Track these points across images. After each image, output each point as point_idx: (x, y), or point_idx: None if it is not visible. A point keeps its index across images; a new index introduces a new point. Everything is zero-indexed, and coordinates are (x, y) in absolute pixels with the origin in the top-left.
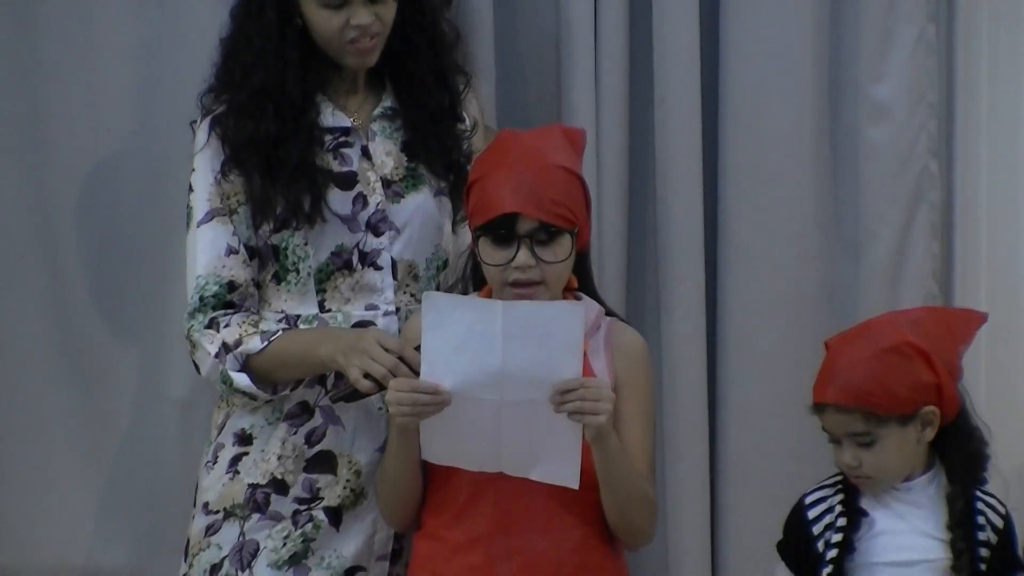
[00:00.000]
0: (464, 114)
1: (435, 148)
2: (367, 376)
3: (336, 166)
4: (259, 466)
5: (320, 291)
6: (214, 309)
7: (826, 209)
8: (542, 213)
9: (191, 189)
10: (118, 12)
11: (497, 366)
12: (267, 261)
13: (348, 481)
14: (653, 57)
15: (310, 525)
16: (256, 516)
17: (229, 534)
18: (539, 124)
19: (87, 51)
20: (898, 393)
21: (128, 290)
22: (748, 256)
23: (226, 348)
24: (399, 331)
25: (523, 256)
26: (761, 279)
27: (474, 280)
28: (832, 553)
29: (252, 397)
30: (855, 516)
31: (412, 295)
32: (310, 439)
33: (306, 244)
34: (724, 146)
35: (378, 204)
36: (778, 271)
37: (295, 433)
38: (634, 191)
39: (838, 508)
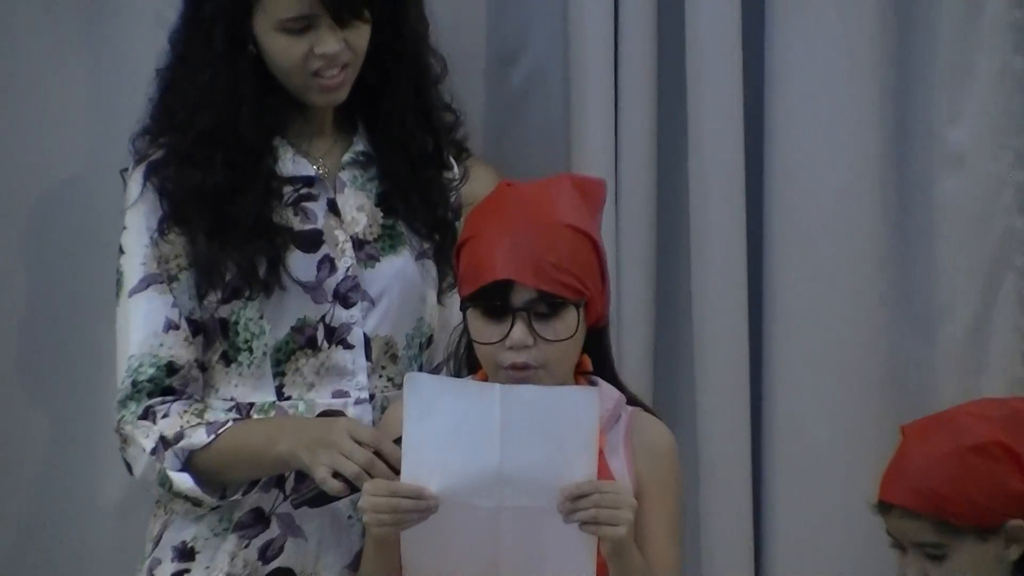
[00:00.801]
0: (452, 161)
1: (417, 202)
2: (336, 476)
3: (297, 223)
4: None
5: (278, 374)
6: (150, 396)
7: (892, 277)
8: (541, 281)
9: (121, 251)
10: (51, 43)
11: (494, 465)
12: (214, 338)
13: None
14: (686, 97)
15: None
16: None
17: None
18: (537, 169)
19: (13, 88)
20: (980, 502)
21: (52, 374)
22: (799, 336)
23: (164, 443)
24: (374, 422)
25: (518, 333)
26: (815, 363)
27: (468, 360)
28: None
29: (196, 502)
30: None
31: (390, 379)
32: (265, 554)
33: (261, 318)
34: (771, 201)
35: (348, 269)
36: (835, 354)
37: (247, 546)
38: (663, 254)
39: None
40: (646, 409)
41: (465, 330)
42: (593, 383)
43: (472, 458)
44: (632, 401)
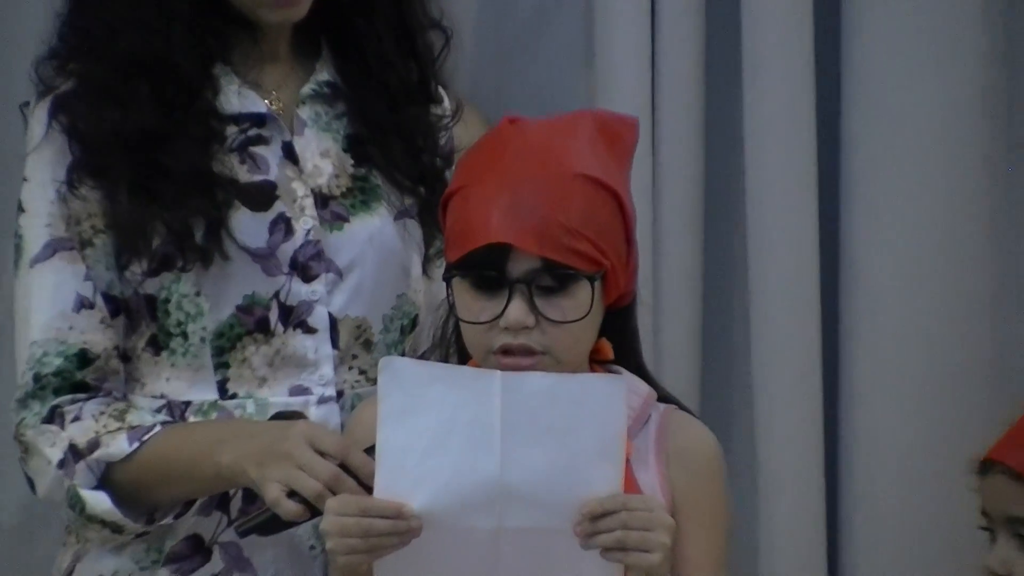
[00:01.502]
0: (443, 93)
1: (397, 146)
2: (292, 495)
3: (244, 173)
4: None
5: (220, 366)
6: (57, 394)
7: (998, 246)
8: (547, 247)
9: (21, 209)
10: None
11: (494, 475)
12: (139, 320)
13: None
14: (741, 12)
15: None
16: None
17: None
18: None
19: None
20: None
21: None
22: (883, 316)
23: (76, 453)
24: (343, 426)
25: (516, 311)
26: (904, 349)
27: (459, 345)
28: None
29: (116, 528)
30: None
31: (362, 372)
32: None
33: (198, 294)
34: (848, 148)
35: (309, 232)
36: (929, 337)
37: None
38: (712, 213)
39: None
40: (680, 406)
41: (454, 308)
42: (614, 374)
43: (465, 466)
44: (663, 398)
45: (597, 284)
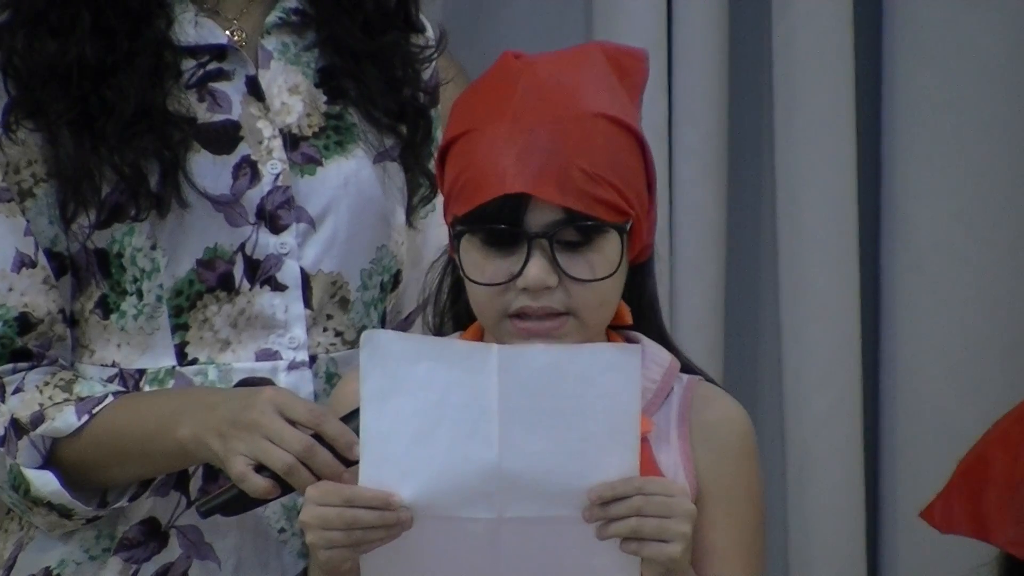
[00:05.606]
0: (424, 21)
1: (374, 79)
2: (260, 469)
3: (204, 112)
4: None
5: (179, 328)
6: None
7: None
8: (569, 196)
9: None
10: None
11: (492, 459)
12: (88, 278)
13: None
14: None
15: None
16: None
17: None
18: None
19: None
20: None
21: None
22: (930, 273)
23: (18, 429)
24: (316, 395)
25: (536, 270)
26: (950, 312)
27: (453, 310)
28: None
29: (64, 512)
30: None
31: (338, 334)
32: None
33: (153, 247)
34: (890, 88)
35: (277, 177)
36: (976, 299)
37: (136, 573)
38: (735, 162)
39: None
40: (707, 379)
41: (449, 267)
42: (632, 341)
43: (459, 453)
44: (688, 368)
45: (624, 236)
